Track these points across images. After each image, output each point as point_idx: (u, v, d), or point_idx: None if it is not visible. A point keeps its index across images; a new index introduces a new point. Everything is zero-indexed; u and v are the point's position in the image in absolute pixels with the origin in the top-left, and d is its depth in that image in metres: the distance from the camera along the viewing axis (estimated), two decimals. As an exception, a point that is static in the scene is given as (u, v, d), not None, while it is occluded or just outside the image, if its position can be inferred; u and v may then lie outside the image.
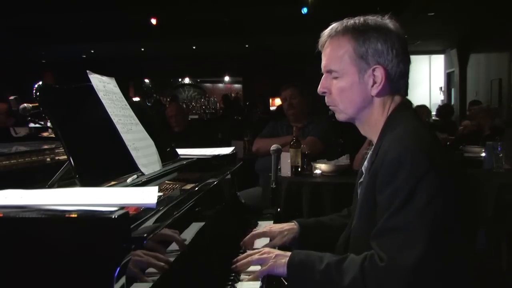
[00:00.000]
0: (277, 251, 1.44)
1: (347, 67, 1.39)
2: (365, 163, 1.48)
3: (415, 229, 1.19)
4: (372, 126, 1.43)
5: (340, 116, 1.47)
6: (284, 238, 1.65)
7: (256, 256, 1.42)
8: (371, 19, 1.41)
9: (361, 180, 1.47)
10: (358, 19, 1.41)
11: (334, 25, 1.44)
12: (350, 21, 1.41)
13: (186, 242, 1.33)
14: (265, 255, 1.41)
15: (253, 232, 1.69)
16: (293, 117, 3.81)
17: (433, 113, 9.23)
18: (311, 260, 1.33)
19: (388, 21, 1.41)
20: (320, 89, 1.46)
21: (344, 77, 1.40)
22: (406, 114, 1.40)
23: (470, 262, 1.32)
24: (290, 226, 1.70)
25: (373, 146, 1.43)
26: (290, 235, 1.66)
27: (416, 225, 1.20)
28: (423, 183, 1.20)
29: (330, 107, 1.47)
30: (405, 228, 1.20)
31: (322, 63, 1.46)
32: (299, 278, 1.34)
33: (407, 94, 1.45)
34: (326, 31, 1.45)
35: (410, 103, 1.47)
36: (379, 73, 1.37)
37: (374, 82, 1.38)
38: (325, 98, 1.47)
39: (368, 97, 1.40)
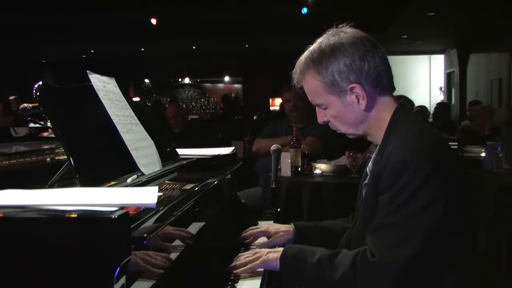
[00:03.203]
0: (268, 249, 1.48)
1: (327, 98, 1.41)
2: (370, 164, 1.49)
3: (411, 229, 1.20)
4: (377, 133, 1.43)
5: (349, 136, 1.49)
6: (278, 239, 1.66)
7: (249, 258, 1.44)
8: (324, 42, 1.40)
9: (366, 181, 1.47)
10: (314, 47, 1.42)
11: (298, 62, 1.45)
12: (309, 52, 1.42)
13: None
14: (257, 254, 1.44)
15: (252, 231, 1.72)
16: (295, 118, 3.79)
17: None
18: (304, 254, 1.35)
19: (338, 36, 1.39)
20: (319, 120, 1.48)
21: (330, 107, 1.43)
22: (410, 116, 1.40)
23: (471, 265, 1.32)
24: (286, 228, 1.71)
25: (378, 148, 1.43)
26: (285, 236, 1.67)
27: (412, 225, 1.20)
28: (427, 185, 1.20)
29: (337, 131, 1.49)
30: (401, 226, 1.21)
31: (309, 99, 1.49)
32: (292, 271, 1.37)
33: (394, 89, 1.45)
34: (295, 71, 1.47)
35: (410, 103, 1.47)
36: (358, 90, 1.37)
37: (358, 99, 1.38)
38: (329, 125, 1.49)
39: (360, 113, 1.40)
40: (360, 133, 1.46)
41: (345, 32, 1.40)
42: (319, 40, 1.43)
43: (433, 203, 1.20)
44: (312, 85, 1.42)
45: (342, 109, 1.40)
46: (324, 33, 1.43)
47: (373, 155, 1.48)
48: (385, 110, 1.40)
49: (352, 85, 1.36)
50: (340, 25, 1.42)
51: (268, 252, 1.43)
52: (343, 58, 1.36)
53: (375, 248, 1.23)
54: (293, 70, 1.47)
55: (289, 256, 1.38)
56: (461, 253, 1.27)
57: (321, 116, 1.47)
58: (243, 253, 1.50)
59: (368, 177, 1.45)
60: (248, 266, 1.41)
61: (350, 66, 1.35)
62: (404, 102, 1.46)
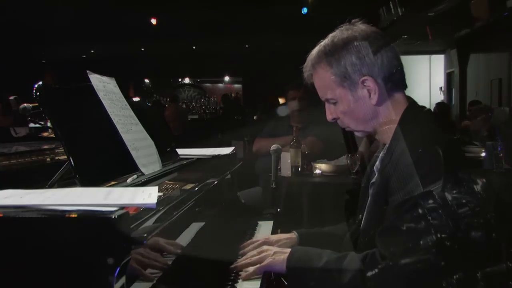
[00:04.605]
0: (275, 248, 1.46)
1: (338, 92, 1.40)
2: (377, 163, 1.48)
3: (422, 232, 1.19)
4: (386, 131, 1.42)
5: (358, 134, 1.49)
6: (281, 247, 1.64)
7: (255, 258, 1.42)
8: (338, 36, 1.40)
9: (373, 180, 1.47)
10: (327, 41, 1.41)
11: (310, 56, 1.44)
12: (321, 46, 1.42)
13: (186, 242, 1.33)
14: (263, 254, 1.42)
15: (253, 244, 1.65)
16: (297, 118, 3.78)
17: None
18: (310, 257, 1.34)
19: (351, 30, 1.39)
20: (329, 116, 1.47)
21: (340, 102, 1.41)
22: (420, 116, 1.39)
23: (473, 266, 1.32)
24: (289, 235, 1.69)
25: (387, 147, 1.43)
26: (288, 244, 1.64)
27: (423, 227, 1.19)
28: (437, 187, 1.20)
29: (346, 129, 1.48)
30: (412, 229, 1.20)
31: (319, 94, 1.48)
32: (298, 275, 1.35)
33: (406, 87, 1.44)
34: (306, 65, 1.45)
35: (417, 104, 1.46)
36: (369, 83, 1.36)
37: (369, 93, 1.37)
38: (338, 122, 1.47)
39: (370, 108, 1.39)
40: (369, 130, 1.44)
41: (359, 26, 1.40)
42: (332, 35, 1.42)
43: (444, 205, 1.20)
44: (323, 79, 1.41)
45: (353, 103, 1.39)
46: (336, 28, 1.43)
47: (381, 154, 1.47)
48: (395, 108, 1.40)
49: (364, 78, 1.35)
50: (353, 20, 1.42)
51: (274, 253, 1.41)
52: (356, 51, 1.35)
53: (385, 250, 1.22)
54: (304, 64, 1.46)
55: (296, 259, 1.36)
56: (466, 254, 1.27)
57: (330, 113, 1.46)
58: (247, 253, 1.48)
59: (376, 176, 1.44)
60: (253, 268, 1.39)
61: (363, 59, 1.35)
62: (415, 101, 1.46)
